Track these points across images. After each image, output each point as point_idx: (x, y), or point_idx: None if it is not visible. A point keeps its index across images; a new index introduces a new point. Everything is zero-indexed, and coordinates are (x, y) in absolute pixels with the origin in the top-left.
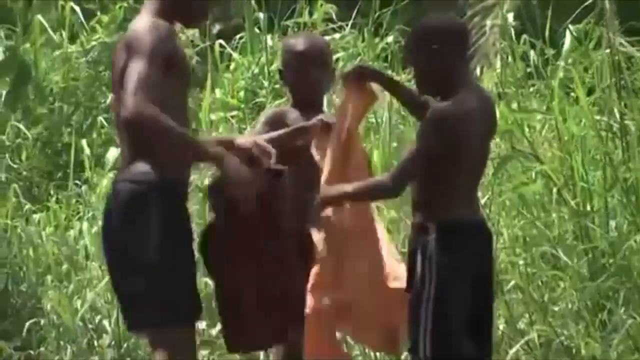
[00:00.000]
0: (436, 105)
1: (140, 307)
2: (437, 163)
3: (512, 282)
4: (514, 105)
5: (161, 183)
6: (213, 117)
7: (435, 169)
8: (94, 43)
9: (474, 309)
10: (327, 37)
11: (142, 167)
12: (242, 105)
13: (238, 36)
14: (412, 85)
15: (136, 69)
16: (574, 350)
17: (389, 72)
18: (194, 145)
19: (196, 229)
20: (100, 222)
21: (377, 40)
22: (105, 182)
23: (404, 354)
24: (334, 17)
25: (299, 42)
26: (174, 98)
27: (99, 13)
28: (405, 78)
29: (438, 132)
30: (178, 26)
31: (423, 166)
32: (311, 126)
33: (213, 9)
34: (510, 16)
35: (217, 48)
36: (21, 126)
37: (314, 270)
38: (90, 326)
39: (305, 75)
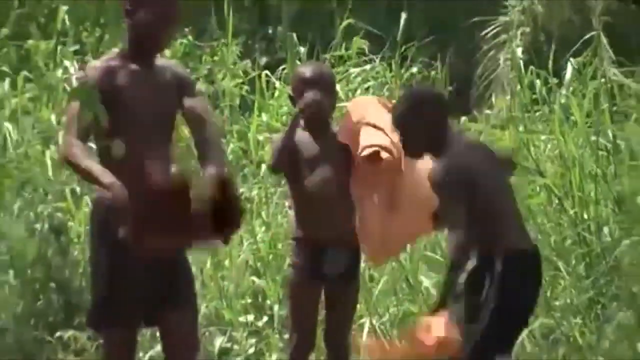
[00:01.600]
0: (435, 166)
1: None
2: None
3: None
4: (521, 128)
5: (102, 202)
6: (260, 137)
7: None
8: None
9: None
10: (359, 68)
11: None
12: (285, 128)
13: (281, 67)
14: None
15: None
16: (571, 340)
17: None
18: (91, 176)
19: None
20: None
21: (402, 70)
22: None
23: None
24: (367, 50)
25: (305, 71)
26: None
27: None
28: None
29: (449, 185)
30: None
31: (458, 213)
32: None
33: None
34: (519, 50)
35: (263, 78)
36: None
37: None
38: None
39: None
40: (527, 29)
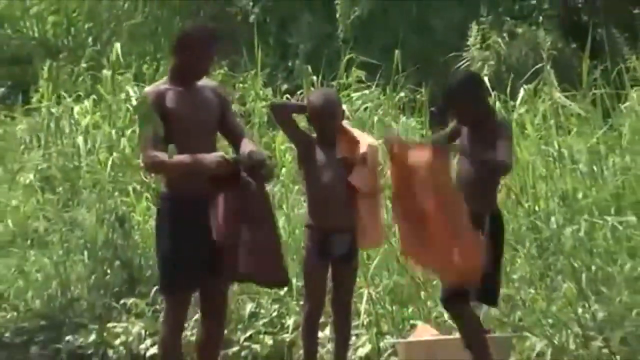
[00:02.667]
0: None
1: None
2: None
3: None
4: None
5: (166, 197)
6: (282, 147)
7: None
8: None
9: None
10: (359, 93)
11: (162, 188)
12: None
13: (299, 92)
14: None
15: None
16: (527, 305)
17: (401, 116)
18: (185, 162)
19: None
20: None
21: (394, 94)
22: None
23: None
24: (364, 79)
25: (316, 99)
26: (176, 138)
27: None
28: (414, 120)
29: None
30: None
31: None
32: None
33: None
34: (486, 79)
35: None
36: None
37: None
38: None
39: (320, 121)
40: (492, 62)
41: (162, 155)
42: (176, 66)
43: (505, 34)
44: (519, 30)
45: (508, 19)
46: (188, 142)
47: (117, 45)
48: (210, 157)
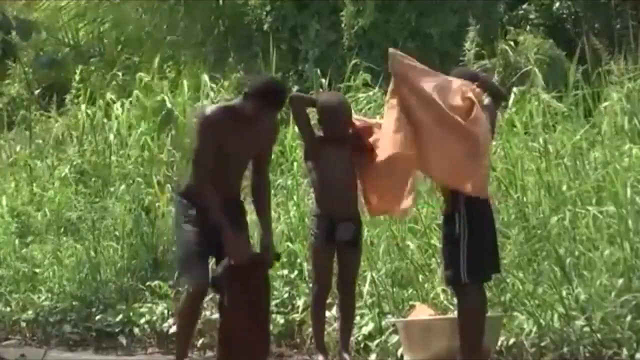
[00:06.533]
0: None
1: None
2: None
3: None
4: None
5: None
6: (293, 143)
7: None
8: (218, 98)
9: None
10: (363, 94)
11: (180, 188)
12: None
13: (309, 93)
14: None
15: None
16: (515, 288)
17: None
18: (219, 222)
19: (281, 220)
20: None
21: None
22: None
23: None
24: (369, 81)
25: (327, 99)
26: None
27: (222, 80)
28: None
29: None
30: None
31: None
32: None
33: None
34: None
35: None
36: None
37: None
38: None
39: (333, 119)
40: (500, 69)
41: (212, 195)
42: (242, 105)
43: (511, 42)
44: (521, 38)
45: (512, 28)
46: (227, 165)
47: (158, 56)
48: (238, 247)
